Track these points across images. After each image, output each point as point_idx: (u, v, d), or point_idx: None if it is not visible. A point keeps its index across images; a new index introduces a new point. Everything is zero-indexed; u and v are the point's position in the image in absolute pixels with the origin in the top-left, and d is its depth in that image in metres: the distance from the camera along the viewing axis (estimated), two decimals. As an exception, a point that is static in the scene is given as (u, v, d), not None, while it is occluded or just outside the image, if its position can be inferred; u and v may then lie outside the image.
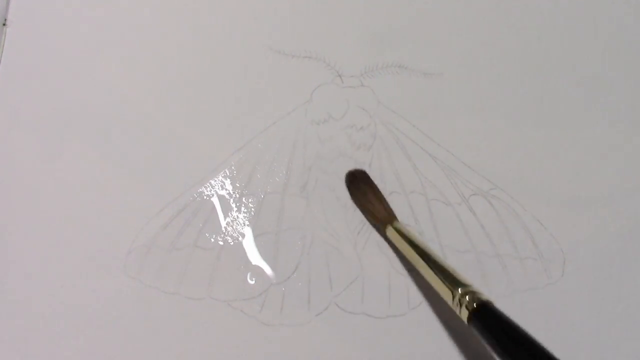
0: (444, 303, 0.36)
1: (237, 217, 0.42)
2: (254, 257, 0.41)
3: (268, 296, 0.39)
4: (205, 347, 0.38)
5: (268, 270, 0.40)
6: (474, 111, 0.45)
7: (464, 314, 0.34)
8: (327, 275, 0.40)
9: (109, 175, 0.42)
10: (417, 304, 0.39)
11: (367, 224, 0.42)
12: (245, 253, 0.41)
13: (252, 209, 0.42)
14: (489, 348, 0.32)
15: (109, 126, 0.44)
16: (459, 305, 0.34)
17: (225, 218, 0.41)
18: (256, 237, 0.41)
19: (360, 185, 0.42)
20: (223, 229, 0.41)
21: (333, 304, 0.39)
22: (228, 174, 0.43)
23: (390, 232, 0.40)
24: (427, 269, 0.37)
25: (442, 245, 0.41)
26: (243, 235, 0.41)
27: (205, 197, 0.42)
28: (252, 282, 0.40)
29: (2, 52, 0.46)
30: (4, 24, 0.47)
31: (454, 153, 0.44)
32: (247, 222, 0.41)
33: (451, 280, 0.35)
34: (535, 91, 0.46)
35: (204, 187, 0.42)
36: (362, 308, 0.39)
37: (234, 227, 0.41)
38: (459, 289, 0.34)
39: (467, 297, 0.34)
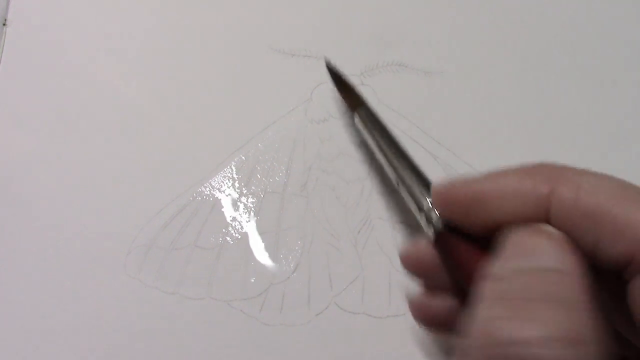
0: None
1: (237, 216, 0.41)
2: (254, 256, 0.40)
3: (268, 296, 0.39)
4: (205, 347, 0.38)
5: (268, 269, 0.40)
6: (474, 110, 0.45)
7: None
8: (327, 274, 0.40)
9: (109, 175, 0.42)
10: (417, 303, 0.39)
11: (368, 222, 0.42)
12: (245, 253, 0.41)
13: (252, 209, 0.42)
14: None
15: (109, 126, 0.44)
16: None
17: (225, 218, 0.41)
18: (256, 236, 0.41)
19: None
20: (223, 228, 0.41)
21: (333, 304, 0.39)
22: (228, 173, 0.43)
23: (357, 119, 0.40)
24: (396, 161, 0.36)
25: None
26: (243, 235, 0.41)
27: (205, 196, 0.42)
28: (252, 282, 0.40)
29: (2, 52, 0.46)
30: (4, 24, 0.47)
31: (455, 152, 0.43)
32: (247, 222, 0.41)
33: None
34: (536, 91, 0.45)
35: (204, 186, 0.42)
36: (362, 308, 0.39)
37: (234, 226, 0.41)
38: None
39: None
